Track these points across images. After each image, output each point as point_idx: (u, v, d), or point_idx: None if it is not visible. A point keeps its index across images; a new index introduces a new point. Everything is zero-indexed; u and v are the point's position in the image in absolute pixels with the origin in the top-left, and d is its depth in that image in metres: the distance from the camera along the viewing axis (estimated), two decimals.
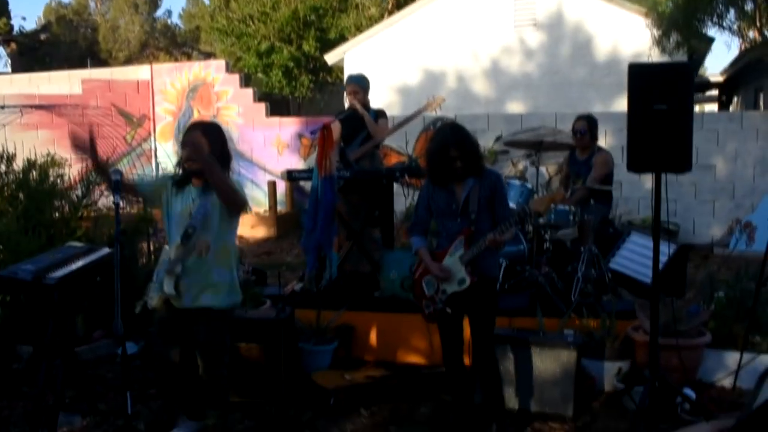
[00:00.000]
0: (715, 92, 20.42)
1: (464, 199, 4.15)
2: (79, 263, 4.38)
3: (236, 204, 3.99)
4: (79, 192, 6.47)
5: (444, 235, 4.28)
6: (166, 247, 4.10)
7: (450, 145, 4.12)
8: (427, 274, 4.26)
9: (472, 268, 4.11)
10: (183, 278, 3.90)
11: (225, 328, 4.10)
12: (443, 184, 4.21)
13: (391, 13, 19.67)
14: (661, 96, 4.07)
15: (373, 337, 5.76)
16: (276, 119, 13.47)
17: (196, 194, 3.97)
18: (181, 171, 4.05)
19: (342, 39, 18.68)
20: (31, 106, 11.24)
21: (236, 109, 13.54)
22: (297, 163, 12.61)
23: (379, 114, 6.63)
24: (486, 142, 10.30)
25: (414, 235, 4.41)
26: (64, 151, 7.08)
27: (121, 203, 3.53)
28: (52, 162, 6.45)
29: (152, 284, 4.08)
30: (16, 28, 35.08)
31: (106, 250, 4.55)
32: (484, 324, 4.22)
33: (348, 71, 14.67)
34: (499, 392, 4.37)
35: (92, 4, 32.31)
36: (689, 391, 4.61)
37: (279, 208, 12.34)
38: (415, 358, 5.65)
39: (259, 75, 19.90)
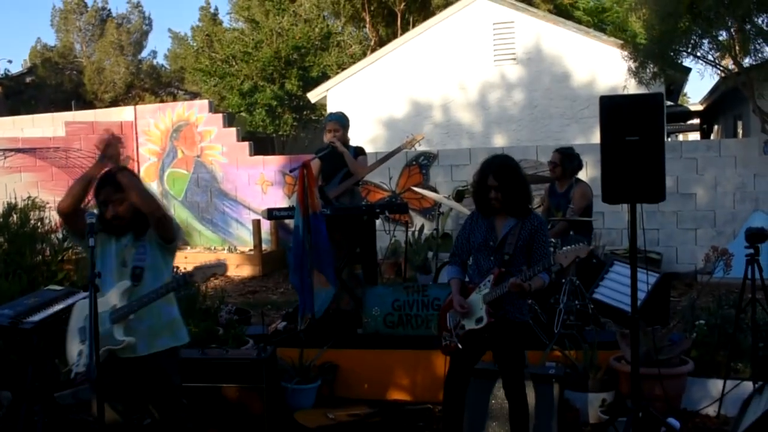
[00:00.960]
0: (696, 121, 20.66)
1: (503, 236, 4.08)
2: (58, 307, 4.36)
3: (149, 208, 3.68)
4: (60, 235, 6.45)
5: (476, 270, 4.22)
6: (85, 300, 3.79)
7: (489, 173, 4.07)
8: (452, 307, 4.21)
9: (494, 308, 4.02)
10: (135, 324, 3.66)
11: (178, 368, 3.94)
12: (483, 215, 4.17)
13: (373, 50, 19.87)
14: (632, 127, 4.13)
15: (356, 374, 5.73)
16: (260, 158, 13.51)
17: (129, 240, 3.77)
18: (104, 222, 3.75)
19: (324, 77, 18.84)
20: (14, 150, 11.24)
21: (220, 148, 13.57)
22: (281, 201, 12.62)
23: (359, 151, 6.67)
24: (468, 177, 10.37)
25: (449, 265, 4.35)
26: (47, 194, 7.10)
27: (97, 244, 3.45)
28: (33, 205, 6.46)
29: (78, 345, 3.74)
30: (1, 71, 35.22)
31: (84, 294, 4.52)
32: (507, 365, 4.16)
33: (330, 108, 14.77)
34: (526, 430, 4.21)
35: (78, 47, 32.43)
36: (673, 421, 4.60)
37: (264, 246, 12.31)
38: (399, 395, 5.62)
39: (243, 114, 20.01)
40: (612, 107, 4.26)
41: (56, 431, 4.72)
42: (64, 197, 3.69)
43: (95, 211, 3.62)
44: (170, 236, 3.82)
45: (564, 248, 4.04)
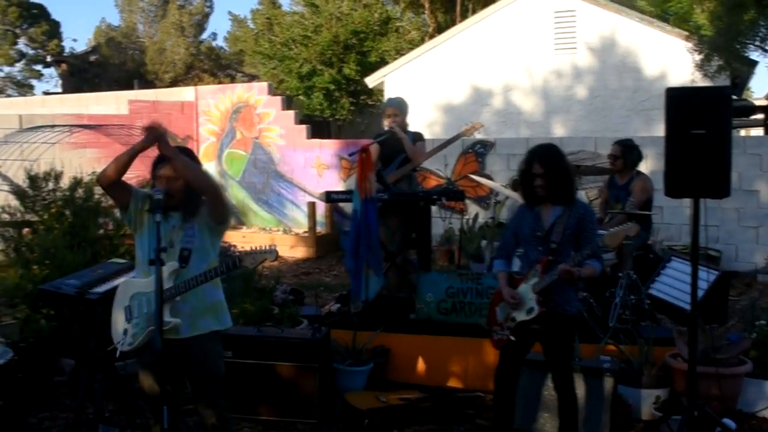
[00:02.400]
0: (761, 116, 20.11)
1: (549, 226, 4.06)
2: (121, 279, 4.47)
3: (208, 188, 3.76)
4: None
5: (525, 261, 4.19)
6: (131, 279, 3.93)
7: (534, 160, 4.05)
8: (501, 300, 4.19)
9: (544, 298, 4.00)
10: (180, 305, 3.69)
11: (221, 352, 3.94)
12: (529, 204, 4.15)
13: (432, 36, 19.78)
14: (699, 120, 4.05)
15: (408, 359, 5.76)
16: (316, 141, 13.61)
17: (177, 220, 3.78)
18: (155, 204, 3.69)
19: (382, 62, 18.82)
20: (80, 126, 11.50)
21: (278, 130, 13.71)
22: (336, 185, 12.70)
23: (417, 137, 6.68)
24: None
25: (496, 258, 4.33)
26: None
27: (161, 221, 3.50)
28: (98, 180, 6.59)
29: (123, 324, 3.80)
30: (67, 50, 36.04)
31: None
32: (555, 356, 4.14)
33: (388, 94, 14.78)
34: (574, 423, 4.18)
35: (140, 27, 32.97)
36: (729, 421, 4.53)
37: (318, 229, 12.43)
38: (450, 381, 5.64)
39: (301, 97, 20.12)
40: (679, 99, 4.18)
41: (115, 399, 4.88)
42: (108, 166, 3.72)
43: (160, 189, 3.65)
44: (223, 216, 3.84)
45: (611, 229, 4.02)
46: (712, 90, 4.41)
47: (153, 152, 3.78)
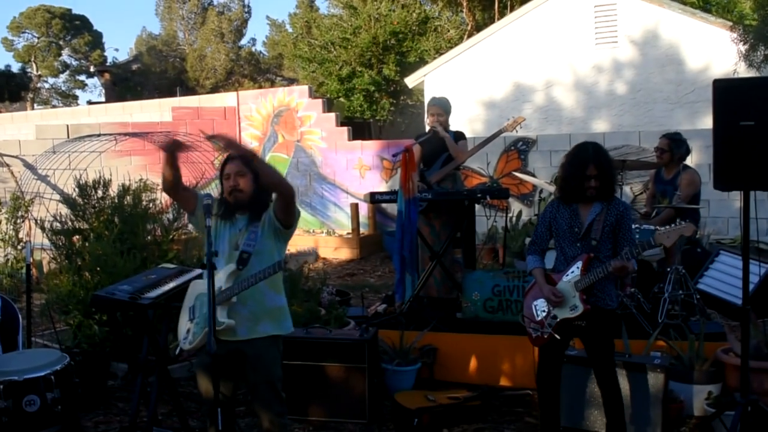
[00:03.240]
0: None
1: (588, 223, 4.03)
2: (172, 284, 4.54)
3: (285, 188, 3.77)
4: (170, 215, 6.72)
5: (561, 259, 4.16)
6: (198, 281, 3.98)
7: (590, 161, 4.01)
8: (538, 297, 4.17)
9: (587, 295, 3.98)
10: (238, 308, 3.72)
11: (280, 357, 3.93)
12: (571, 202, 4.11)
13: (470, 35, 19.73)
14: (747, 112, 3.99)
15: (456, 358, 5.76)
16: (358, 143, 13.66)
17: (244, 223, 3.83)
18: (224, 204, 3.88)
19: (422, 62, 18.83)
20: (125, 134, 11.72)
21: (319, 133, 13.80)
22: (378, 186, 12.74)
23: (459, 136, 6.68)
24: None
25: (530, 254, 4.29)
26: (155, 176, 7.38)
27: (212, 226, 3.56)
28: (145, 187, 6.72)
29: (187, 324, 3.86)
30: (109, 60, 36.76)
31: (197, 271, 4.70)
32: (598, 353, 4.11)
33: (428, 94, 14.78)
34: (621, 419, 4.15)
35: (180, 35, 33.47)
36: None
37: (362, 230, 12.48)
38: (498, 380, 5.63)
39: (341, 99, 20.23)
40: (726, 91, 4.12)
41: (168, 402, 4.96)
42: (163, 179, 3.83)
43: (211, 192, 3.72)
44: (291, 220, 3.84)
45: (665, 227, 3.96)
46: (760, 80, 4.34)
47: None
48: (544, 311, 4.13)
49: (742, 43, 10.07)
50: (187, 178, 4.22)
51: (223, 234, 3.85)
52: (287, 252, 4.01)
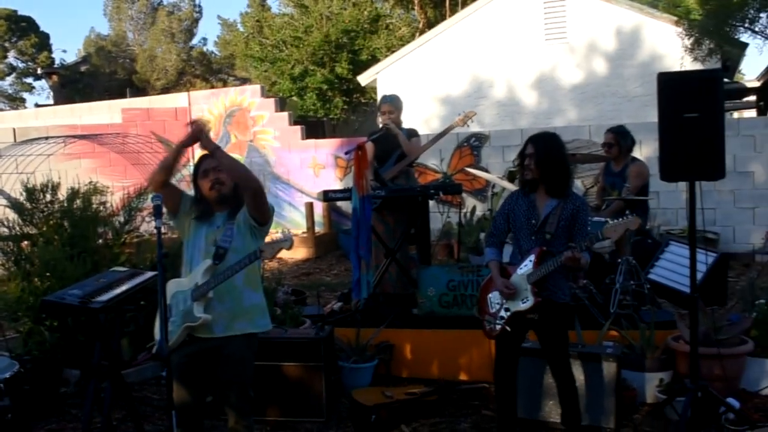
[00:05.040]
0: (753, 98, 20.16)
1: (544, 216, 4.05)
2: (124, 287, 4.48)
3: (251, 181, 3.76)
4: (121, 218, 6.62)
5: (517, 251, 4.19)
6: (175, 279, 3.93)
7: (529, 142, 4.08)
8: (493, 290, 4.19)
9: (539, 288, 4.00)
10: (215, 304, 3.71)
11: (253, 358, 3.90)
12: (525, 191, 4.14)
13: (422, 32, 19.80)
14: (691, 104, 4.07)
15: (412, 354, 5.79)
16: (311, 141, 13.63)
17: (221, 221, 3.82)
18: (202, 202, 3.88)
19: (374, 60, 18.85)
20: (74, 136, 11.50)
21: (272, 132, 13.73)
22: (333, 184, 12.72)
23: (411, 133, 6.71)
24: None
25: (488, 246, 4.31)
26: (106, 179, 7.28)
27: (162, 228, 3.51)
28: (95, 190, 6.61)
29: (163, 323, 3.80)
30: (57, 61, 36.05)
31: (149, 274, 4.65)
32: (551, 345, 4.14)
33: (381, 91, 14.80)
34: (576, 409, 4.20)
35: (130, 35, 32.96)
36: (733, 401, 4.57)
37: (317, 229, 12.45)
38: (455, 374, 5.66)
39: (294, 98, 20.15)
40: (670, 84, 4.21)
41: (122, 407, 4.89)
42: (154, 172, 3.79)
43: (160, 194, 3.66)
44: (265, 216, 3.82)
45: (613, 221, 4.02)
46: (702, 73, 4.44)
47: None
48: (497, 304, 4.16)
49: (687, 37, 10.28)
50: (139, 179, 4.16)
51: (200, 232, 3.84)
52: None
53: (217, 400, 3.96)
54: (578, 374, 4.59)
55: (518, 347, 4.25)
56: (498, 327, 4.14)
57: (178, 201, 3.87)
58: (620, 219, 4.01)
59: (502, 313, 4.12)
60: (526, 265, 4.05)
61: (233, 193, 3.83)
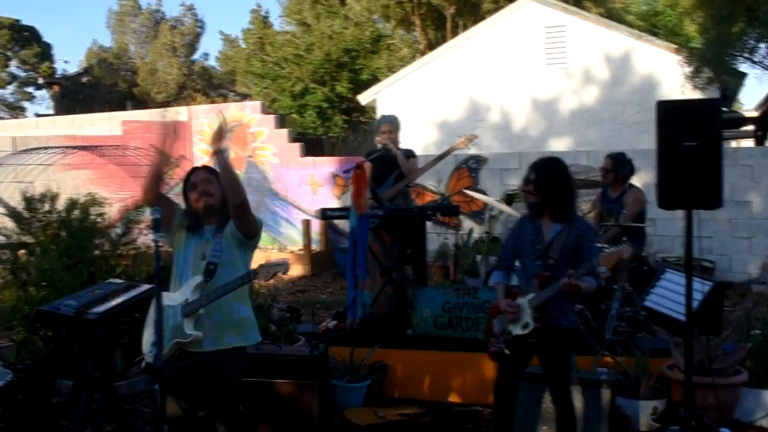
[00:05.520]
0: (751, 127, 20.26)
1: (548, 241, 4.05)
2: (119, 299, 4.49)
3: (237, 192, 3.74)
4: (118, 230, 6.62)
5: (522, 275, 4.20)
6: (164, 293, 3.84)
7: (531, 168, 4.08)
8: (499, 312, 4.19)
9: (540, 313, 3.99)
10: (204, 319, 3.70)
11: (241, 371, 3.91)
12: (531, 216, 4.14)
13: (423, 53, 19.90)
14: (690, 133, 4.10)
15: (406, 374, 5.77)
16: (310, 159, 13.65)
17: (210, 234, 3.84)
18: (192, 215, 3.89)
19: (374, 79, 18.93)
20: (74, 147, 11.52)
21: (271, 149, 13.74)
22: (331, 202, 12.73)
23: (409, 154, 6.72)
24: (518, 181, 10.35)
25: (495, 269, 4.32)
26: (104, 191, 7.28)
27: (159, 241, 3.52)
28: (93, 201, 6.62)
29: (152, 336, 3.76)
30: (59, 72, 36.15)
31: (145, 287, 4.65)
32: (552, 371, 4.13)
33: (381, 111, 14.86)
34: None
35: (132, 48, 33.12)
36: (726, 431, 4.56)
37: (313, 246, 12.44)
38: (448, 396, 5.65)
39: (294, 116, 20.21)
40: (669, 112, 4.24)
41: (114, 419, 4.87)
42: (147, 180, 3.80)
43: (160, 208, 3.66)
44: (252, 230, 3.83)
45: (606, 250, 4.02)
46: (702, 102, 4.47)
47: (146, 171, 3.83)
48: (501, 327, 4.16)
49: (687, 65, 10.35)
50: (138, 193, 4.16)
51: (190, 245, 3.84)
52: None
53: (208, 416, 3.94)
54: (575, 400, 4.58)
55: (519, 371, 4.23)
56: (500, 349, 4.14)
57: (171, 214, 3.86)
58: (614, 248, 4.02)
59: (504, 336, 4.12)
60: (529, 290, 4.06)
61: (221, 204, 3.83)
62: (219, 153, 3.77)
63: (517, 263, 4.30)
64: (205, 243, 3.82)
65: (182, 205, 3.97)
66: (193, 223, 3.86)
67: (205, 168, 3.95)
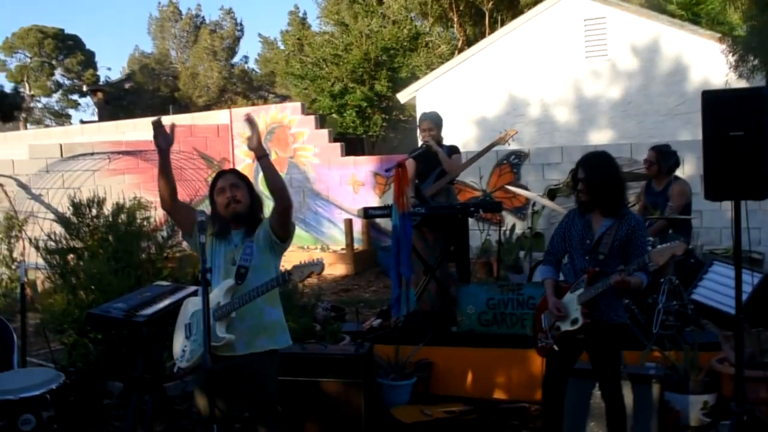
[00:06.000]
0: None
1: (598, 236, 4.01)
2: (167, 301, 4.55)
3: (285, 195, 3.81)
4: (164, 233, 6.72)
5: (571, 271, 4.16)
6: (193, 298, 4.00)
7: (580, 165, 4.04)
8: (547, 308, 4.17)
9: (589, 309, 3.95)
10: (236, 323, 3.73)
11: (276, 373, 3.91)
12: (581, 211, 4.11)
13: (461, 50, 19.84)
14: (736, 122, 4.02)
15: (451, 372, 5.76)
16: (351, 158, 13.70)
17: (239, 239, 3.85)
18: (218, 220, 3.90)
19: (413, 77, 18.91)
20: (119, 152, 11.73)
21: (312, 149, 13.83)
22: (372, 201, 12.76)
23: (453, 150, 6.71)
24: (560, 175, 10.27)
25: (543, 264, 4.30)
26: (149, 195, 7.39)
27: (206, 244, 3.56)
28: (139, 205, 6.73)
29: (183, 341, 3.86)
30: (102, 79, 36.82)
31: (191, 288, 4.71)
32: (602, 367, 4.09)
33: (420, 109, 14.83)
34: (623, 431, 4.14)
35: (173, 53, 33.59)
36: None
37: (356, 245, 12.49)
38: (494, 393, 5.62)
39: (334, 116, 20.29)
40: (715, 102, 4.16)
41: (164, 420, 4.95)
42: (160, 182, 3.85)
43: (204, 209, 3.73)
44: (289, 232, 3.89)
45: (659, 246, 3.95)
46: (748, 91, 4.37)
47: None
48: (550, 322, 4.14)
49: (731, 54, 10.14)
50: (181, 195, 4.21)
51: (219, 251, 3.86)
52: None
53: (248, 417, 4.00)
54: (624, 396, 4.53)
55: (568, 367, 4.20)
56: (548, 345, 4.12)
57: (192, 219, 3.87)
58: (667, 243, 3.94)
59: (553, 332, 4.10)
60: (579, 286, 4.02)
61: (249, 211, 3.87)
62: (261, 158, 3.79)
63: (564, 259, 4.27)
64: (234, 248, 3.84)
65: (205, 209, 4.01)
66: (220, 229, 3.88)
67: (233, 172, 3.99)
